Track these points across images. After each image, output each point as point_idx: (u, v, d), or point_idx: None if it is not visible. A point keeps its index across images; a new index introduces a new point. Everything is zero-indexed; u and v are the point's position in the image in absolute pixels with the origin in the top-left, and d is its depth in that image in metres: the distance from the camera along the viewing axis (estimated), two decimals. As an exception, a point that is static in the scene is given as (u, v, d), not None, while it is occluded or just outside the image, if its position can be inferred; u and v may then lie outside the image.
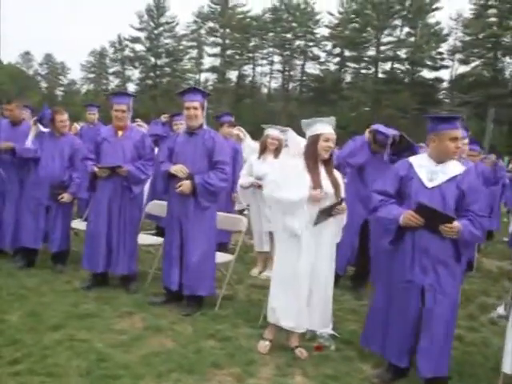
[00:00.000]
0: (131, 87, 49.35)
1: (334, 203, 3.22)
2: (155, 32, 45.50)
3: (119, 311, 3.91)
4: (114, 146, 4.33)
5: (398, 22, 39.28)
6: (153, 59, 46.02)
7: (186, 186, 3.88)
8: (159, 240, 4.84)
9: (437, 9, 37.82)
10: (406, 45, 38.93)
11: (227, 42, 44.51)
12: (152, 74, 46.36)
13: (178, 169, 3.90)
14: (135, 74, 47.90)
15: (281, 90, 45.45)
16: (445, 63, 38.86)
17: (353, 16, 40.72)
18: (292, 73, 45.48)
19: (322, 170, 3.28)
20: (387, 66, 40.78)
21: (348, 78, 43.34)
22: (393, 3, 38.73)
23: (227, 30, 43.47)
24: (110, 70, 49.33)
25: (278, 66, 45.36)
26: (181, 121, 6.13)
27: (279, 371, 3.13)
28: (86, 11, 79.86)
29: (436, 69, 39.12)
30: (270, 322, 3.43)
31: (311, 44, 43.33)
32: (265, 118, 38.03)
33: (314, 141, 3.25)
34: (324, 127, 3.27)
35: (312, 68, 44.06)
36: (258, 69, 46.03)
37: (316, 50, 43.29)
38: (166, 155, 4.10)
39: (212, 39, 44.99)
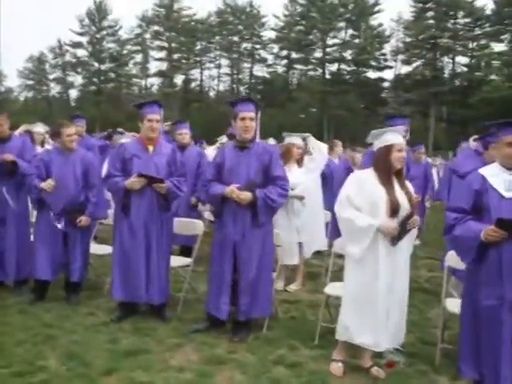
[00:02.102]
0: (74, 93, 47.46)
1: (404, 217, 3.11)
2: (97, 36, 43.97)
3: (165, 344, 3.58)
4: (146, 164, 3.98)
5: (342, 24, 40.25)
6: (96, 64, 44.44)
7: (246, 196, 3.60)
8: (187, 261, 4.56)
9: (379, 11, 39.15)
10: (351, 46, 39.97)
11: (173, 45, 43.79)
12: (95, 80, 44.75)
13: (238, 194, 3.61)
14: (78, 79, 46.11)
15: (229, 93, 45.31)
16: (388, 63, 40.31)
17: (298, 19, 41.32)
18: (240, 76, 45.49)
19: (395, 183, 3.16)
20: (334, 67, 41.70)
21: (295, 79, 43.92)
22: (336, 6, 39.65)
23: (173, 34, 42.75)
24: (51, 77, 47.16)
25: (225, 70, 45.27)
26: (185, 130, 5.88)
27: (367, 396, 2.99)
28: (20, 15, 75.76)
29: (380, 69, 40.46)
30: (340, 339, 3.26)
31: (258, 47, 43.53)
32: (214, 122, 37.83)
33: (386, 152, 3.13)
34: (396, 137, 3.15)
35: (260, 71, 44.34)
36: (206, 72, 45.72)
37: (263, 53, 43.60)
38: (213, 173, 3.80)
39: (157, 43, 44.14)
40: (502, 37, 35.66)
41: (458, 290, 3.80)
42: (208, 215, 6.01)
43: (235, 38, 42.99)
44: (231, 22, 42.72)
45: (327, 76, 41.48)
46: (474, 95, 32.47)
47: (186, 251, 5.38)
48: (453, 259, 3.74)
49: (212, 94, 47.15)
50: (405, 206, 3.12)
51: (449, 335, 3.64)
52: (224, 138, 6.82)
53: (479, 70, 36.24)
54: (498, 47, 35.71)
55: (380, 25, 39.26)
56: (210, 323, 3.89)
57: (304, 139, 5.34)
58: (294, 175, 4.90)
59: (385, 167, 3.13)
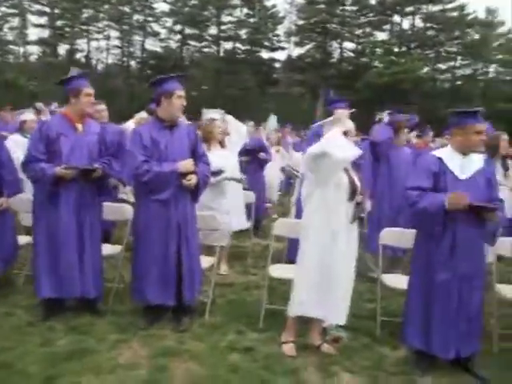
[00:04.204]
0: None
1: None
2: (-37, -6, 38.74)
3: (108, 341, 3.36)
4: (77, 144, 3.63)
5: (237, 1, 40.05)
6: (-37, 27, 39.23)
7: (195, 179, 3.55)
8: (118, 248, 4.29)
9: (272, -8, 39.65)
10: (246, 25, 40.01)
11: (56, 11, 40.12)
12: (-38, 44, 39.55)
13: (188, 165, 3.52)
14: None
15: (119, 67, 42.97)
16: (282, 45, 41.10)
17: (194, -7, 40.29)
18: (131, 49, 43.28)
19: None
20: (229, 45, 41.54)
21: (189, 56, 42.95)
22: (230, -17, 39.32)
23: (55, -2, 39.17)
24: None
25: (115, 42, 42.67)
26: (103, 106, 5.46)
27: (324, 373, 3.09)
28: None
29: (274, 50, 41.15)
30: (295, 314, 3.32)
31: (151, 19, 41.65)
32: (103, 97, 35.73)
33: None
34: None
35: (152, 45, 42.53)
36: (94, 43, 42.68)
37: (156, 27, 41.83)
38: (143, 153, 3.53)
39: (37, 7, 40.05)
40: (384, 26, 38.30)
41: (378, 264, 4.04)
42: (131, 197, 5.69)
43: (126, 9, 40.64)
44: (121, -9, 40.31)
45: (222, 54, 41.21)
46: (359, 80, 34.54)
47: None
48: (387, 237, 4.00)
49: (100, 67, 44.29)
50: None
51: (382, 308, 3.89)
52: (143, 114, 6.46)
53: (364, 56, 38.57)
54: (381, 36, 38.42)
55: (274, 6, 39.82)
56: (153, 314, 3.71)
57: (223, 119, 5.28)
58: (219, 156, 4.83)
59: None
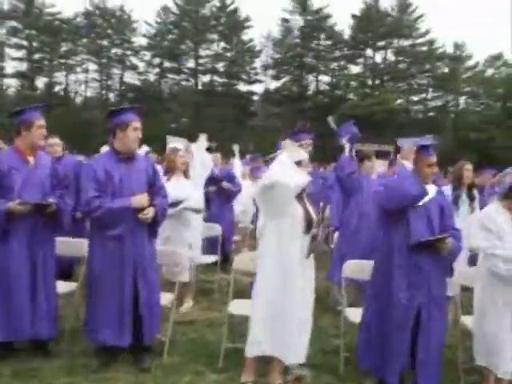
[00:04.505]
0: None
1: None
2: None
3: (57, 385, 3.18)
4: (29, 178, 3.51)
5: (214, 36, 40.82)
6: None
7: (152, 213, 3.45)
8: (73, 285, 4.13)
9: (249, 27, 40.51)
10: (223, 58, 40.68)
11: (34, 44, 40.23)
12: None
13: (142, 200, 3.42)
14: None
15: (98, 100, 42.99)
16: (258, 77, 41.80)
17: (170, 27, 40.89)
18: (110, 82, 43.44)
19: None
20: (206, 78, 42.05)
21: (167, 89, 43.28)
22: (209, 18, 40.11)
23: (33, 32, 39.30)
24: None
25: (94, 75, 42.81)
26: (56, 140, 5.29)
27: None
28: None
29: (251, 83, 41.81)
30: (252, 355, 3.20)
31: (129, 53, 42.05)
32: (80, 129, 35.59)
33: None
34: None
35: (131, 78, 42.81)
36: (72, 76, 42.72)
37: (135, 60, 42.21)
38: (95, 188, 3.43)
39: (15, 40, 40.09)
40: (358, 60, 39.39)
41: (350, 298, 4.00)
42: None
43: (104, 42, 41.00)
44: (100, 25, 40.68)
45: (200, 87, 41.67)
46: (335, 112, 35.22)
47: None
48: (350, 270, 3.94)
49: (79, 99, 44.23)
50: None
51: (346, 343, 3.79)
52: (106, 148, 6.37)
53: (339, 88, 39.44)
54: (355, 69, 39.44)
55: (251, 40, 40.67)
56: (108, 355, 3.54)
57: (187, 149, 5.23)
58: (181, 187, 4.76)
59: None
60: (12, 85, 41.80)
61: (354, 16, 38.08)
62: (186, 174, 5.09)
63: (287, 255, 3.07)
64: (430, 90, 38.69)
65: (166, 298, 3.88)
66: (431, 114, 38.68)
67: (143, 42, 41.28)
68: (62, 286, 4.01)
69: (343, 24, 39.26)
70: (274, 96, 40.47)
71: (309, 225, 3.14)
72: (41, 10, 39.57)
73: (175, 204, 4.68)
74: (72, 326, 3.92)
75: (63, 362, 3.50)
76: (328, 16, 39.05)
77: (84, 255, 4.10)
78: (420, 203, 3.09)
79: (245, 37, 40.70)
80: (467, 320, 3.67)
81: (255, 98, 42.75)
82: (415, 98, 39.38)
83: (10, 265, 3.43)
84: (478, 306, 3.38)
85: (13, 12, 38.64)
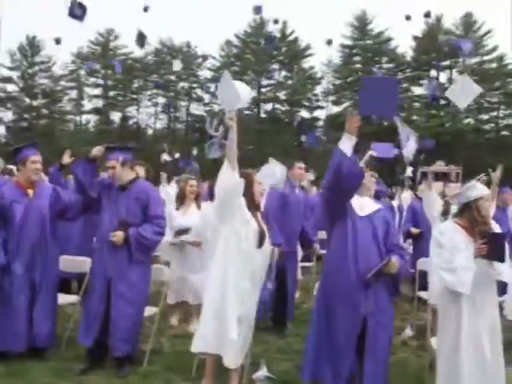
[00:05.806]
0: (2, 129, 45.60)
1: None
2: (29, 71, 42.98)
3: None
4: (28, 209, 3.96)
5: (275, 66, 41.88)
6: (28, 100, 43.24)
7: (118, 236, 3.75)
8: (74, 298, 4.56)
9: (310, 55, 41.15)
10: (284, 87, 41.52)
11: (109, 82, 43.57)
12: (27, 116, 43.41)
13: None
14: (8, 115, 44.46)
15: (166, 131, 45.36)
16: (320, 104, 42.13)
17: (233, 60, 42.57)
18: (177, 114, 45.78)
19: None
20: (268, 106, 43.02)
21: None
22: (270, 49, 41.33)
23: (109, 71, 42.62)
24: (-23, 112, 45.12)
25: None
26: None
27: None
28: None
29: (312, 109, 42.19)
30: (198, 350, 3.35)
31: (195, 86, 44.20)
32: (151, 159, 37.49)
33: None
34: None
35: (196, 109, 44.86)
36: (143, 110, 45.56)
37: (200, 92, 44.22)
38: None
39: (93, 80, 43.73)
40: (421, 81, 38.50)
41: None
42: None
43: (172, 77, 43.47)
44: (168, 62, 43.30)
45: (262, 115, 42.69)
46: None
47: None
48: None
49: (149, 131, 46.94)
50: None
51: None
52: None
53: (403, 111, 38.67)
54: (418, 90, 38.54)
55: (311, 67, 41.24)
56: (91, 359, 3.87)
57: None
58: (189, 217, 4.94)
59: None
60: (91, 119, 45.36)
61: (415, 37, 37.48)
62: (198, 203, 5.14)
63: (230, 267, 3.29)
64: (502, 107, 36.84)
65: (148, 311, 4.16)
66: (504, 132, 36.72)
67: (208, 74, 43.24)
68: (63, 298, 4.42)
69: (405, 46, 38.55)
70: (336, 121, 40.45)
71: (261, 239, 3.37)
72: (114, 52, 42.87)
73: (180, 232, 4.93)
74: (69, 334, 4.31)
75: (52, 365, 3.87)
76: (389, 39, 38.81)
77: (87, 271, 4.52)
78: (364, 214, 3.19)
79: (305, 64, 41.36)
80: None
81: (319, 123, 42.91)
82: (485, 117, 37.64)
83: (6, 279, 3.84)
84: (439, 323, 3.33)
85: (91, 55, 42.19)
